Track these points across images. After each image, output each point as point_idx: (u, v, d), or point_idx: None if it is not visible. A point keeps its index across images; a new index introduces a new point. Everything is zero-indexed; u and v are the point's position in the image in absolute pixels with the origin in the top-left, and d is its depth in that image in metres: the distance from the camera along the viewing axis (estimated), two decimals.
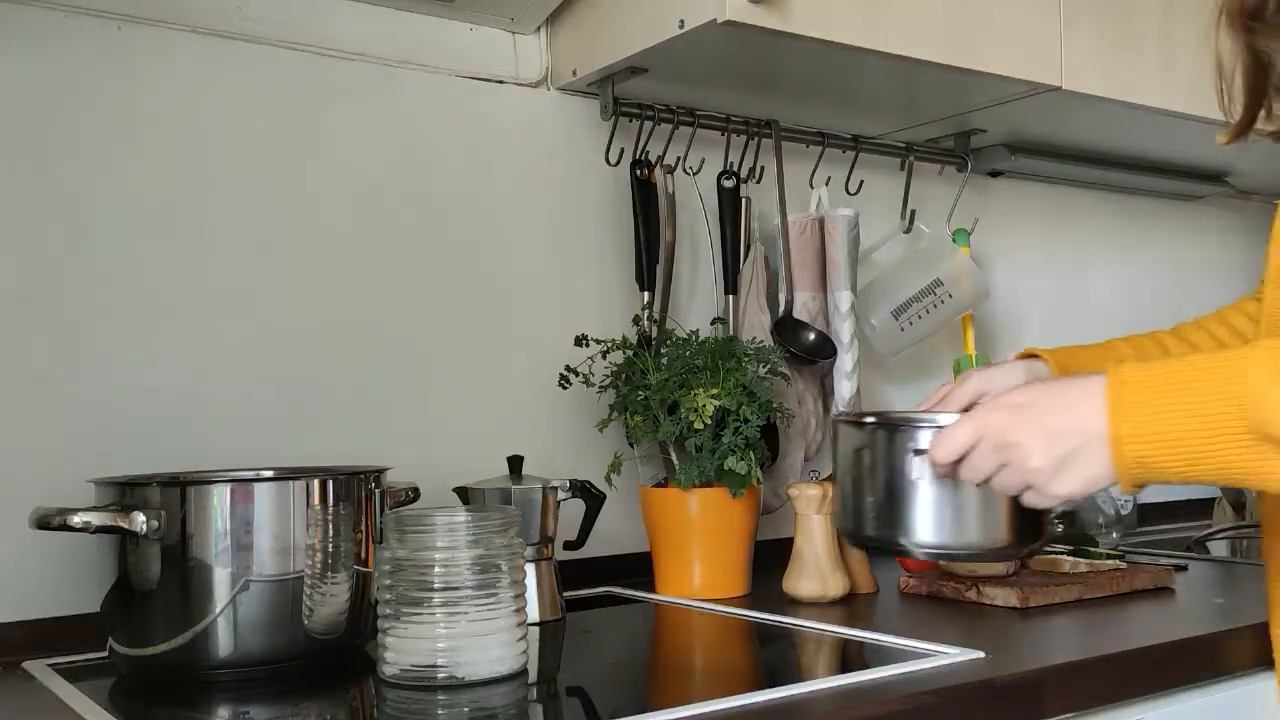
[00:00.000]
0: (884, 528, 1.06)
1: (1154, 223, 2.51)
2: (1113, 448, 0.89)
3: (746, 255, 1.82)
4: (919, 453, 1.02)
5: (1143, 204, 2.43)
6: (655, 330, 1.70)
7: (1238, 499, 2.22)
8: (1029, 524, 1.05)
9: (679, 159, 1.78)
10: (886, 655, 1.18)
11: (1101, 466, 0.91)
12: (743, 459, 1.52)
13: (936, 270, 1.96)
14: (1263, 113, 1.07)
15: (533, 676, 1.17)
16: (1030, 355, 1.22)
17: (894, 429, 1.06)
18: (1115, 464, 0.90)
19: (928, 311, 1.94)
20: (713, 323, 1.76)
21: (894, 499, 1.05)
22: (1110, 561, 1.55)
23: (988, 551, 1.10)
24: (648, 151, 1.74)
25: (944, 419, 1.02)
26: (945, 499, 1.03)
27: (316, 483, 1.17)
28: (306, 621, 1.15)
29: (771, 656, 1.29)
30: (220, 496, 1.13)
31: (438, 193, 1.62)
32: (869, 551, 1.53)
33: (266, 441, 1.45)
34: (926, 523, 1.04)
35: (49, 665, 1.21)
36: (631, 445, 1.67)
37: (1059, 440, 0.92)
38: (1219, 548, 2.12)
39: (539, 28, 1.70)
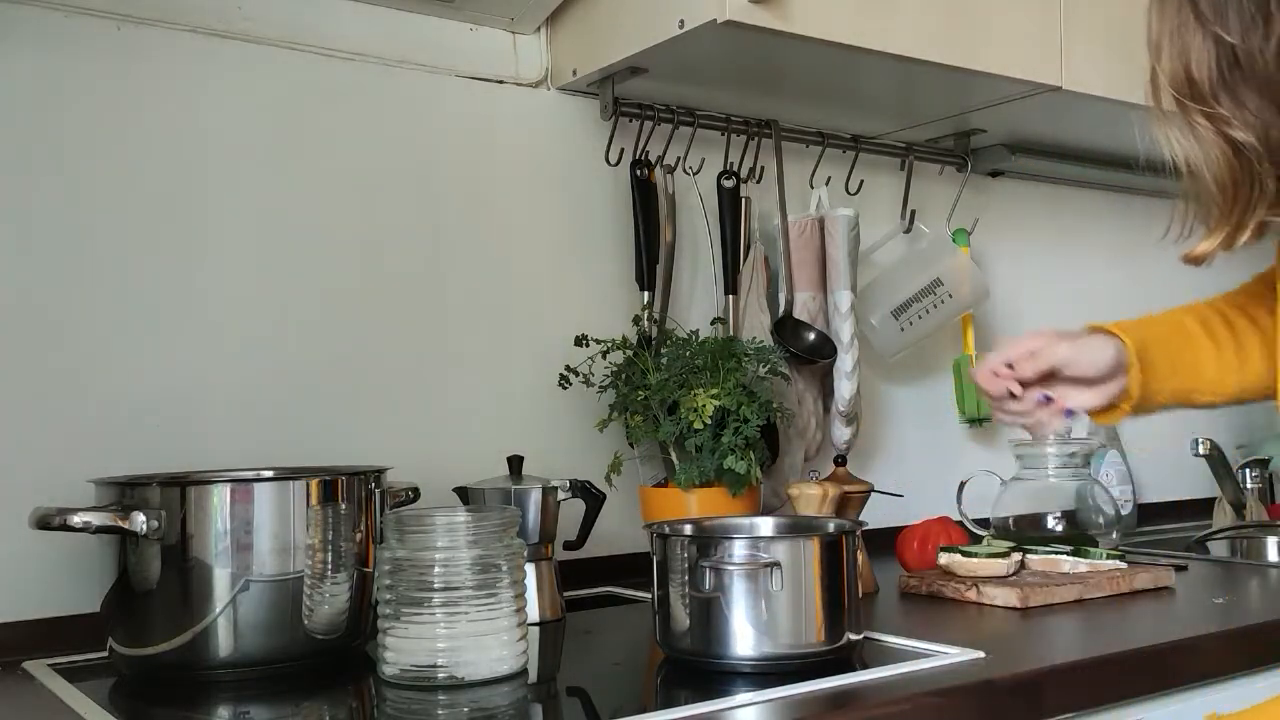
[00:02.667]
0: None
1: (1154, 223, 2.50)
2: None
3: (746, 255, 1.82)
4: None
5: (1142, 204, 2.43)
6: (655, 330, 1.70)
7: (1237, 499, 2.22)
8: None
9: (679, 159, 1.78)
10: (886, 655, 1.18)
11: None
12: (743, 459, 1.52)
13: (936, 270, 1.96)
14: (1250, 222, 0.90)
15: (533, 676, 1.17)
16: (1100, 330, 1.18)
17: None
18: None
19: (928, 311, 1.94)
20: (713, 323, 1.76)
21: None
22: (1110, 561, 1.55)
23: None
24: (648, 151, 1.74)
25: None
26: None
27: (316, 483, 1.17)
28: (306, 622, 1.15)
29: None
30: (220, 496, 1.13)
31: (438, 193, 1.62)
32: None
33: (266, 441, 1.45)
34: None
35: (49, 665, 1.21)
36: (631, 445, 1.67)
37: None
38: (1219, 548, 2.12)
39: (539, 28, 1.70)
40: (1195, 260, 0.96)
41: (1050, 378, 1.17)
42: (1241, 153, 0.81)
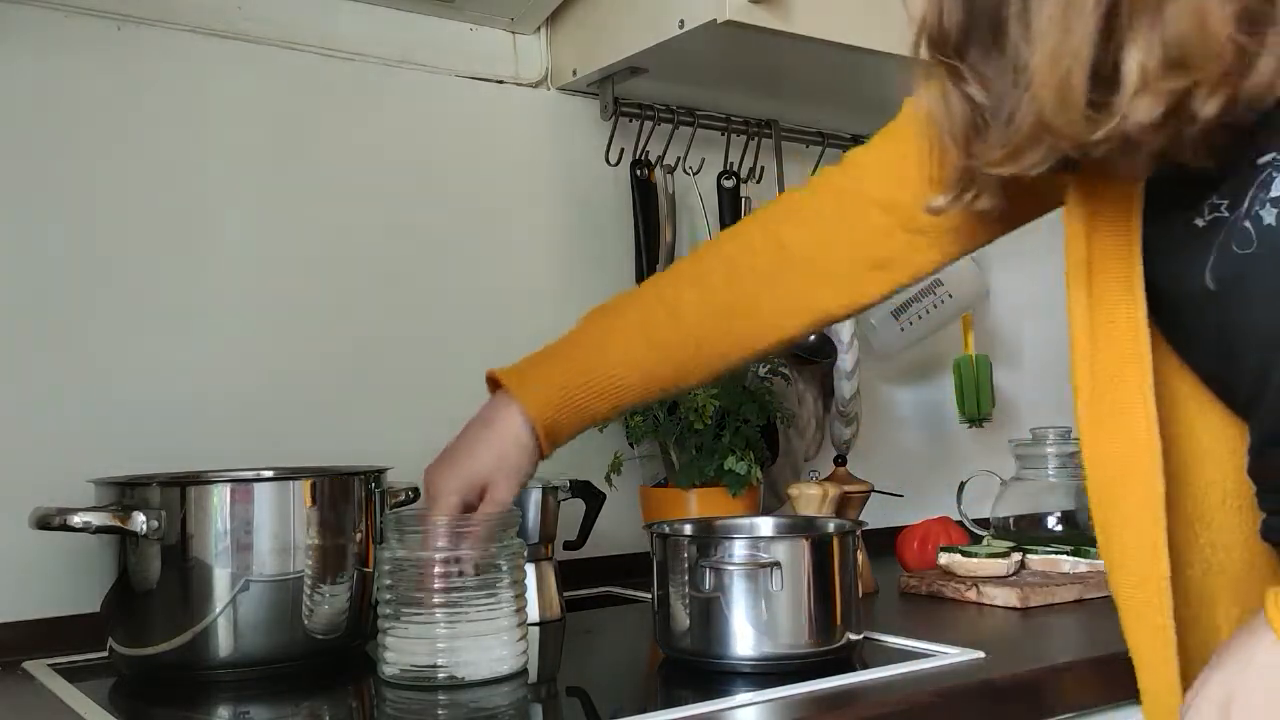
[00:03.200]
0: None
1: None
2: None
3: None
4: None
5: None
6: None
7: None
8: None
9: (679, 159, 1.78)
10: (886, 655, 1.18)
11: None
12: (743, 459, 1.52)
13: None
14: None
15: (533, 676, 1.17)
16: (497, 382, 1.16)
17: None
18: None
19: (928, 311, 1.94)
20: None
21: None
22: None
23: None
24: (648, 151, 1.74)
25: None
26: None
27: (316, 483, 1.17)
28: (306, 622, 1.15)
29: None
30: (220, 496, 1.13)
31: (437, 192, 1.62)
32: None
33: (266, 441, 1.45)
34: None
35: (49, 665, 1.21)
36: (631, 445, 1.67)
37: None
38: None
39: (539, 28, 1.70)
40: (932, 212, 0.97)
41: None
42: (977, 111, 0.81)
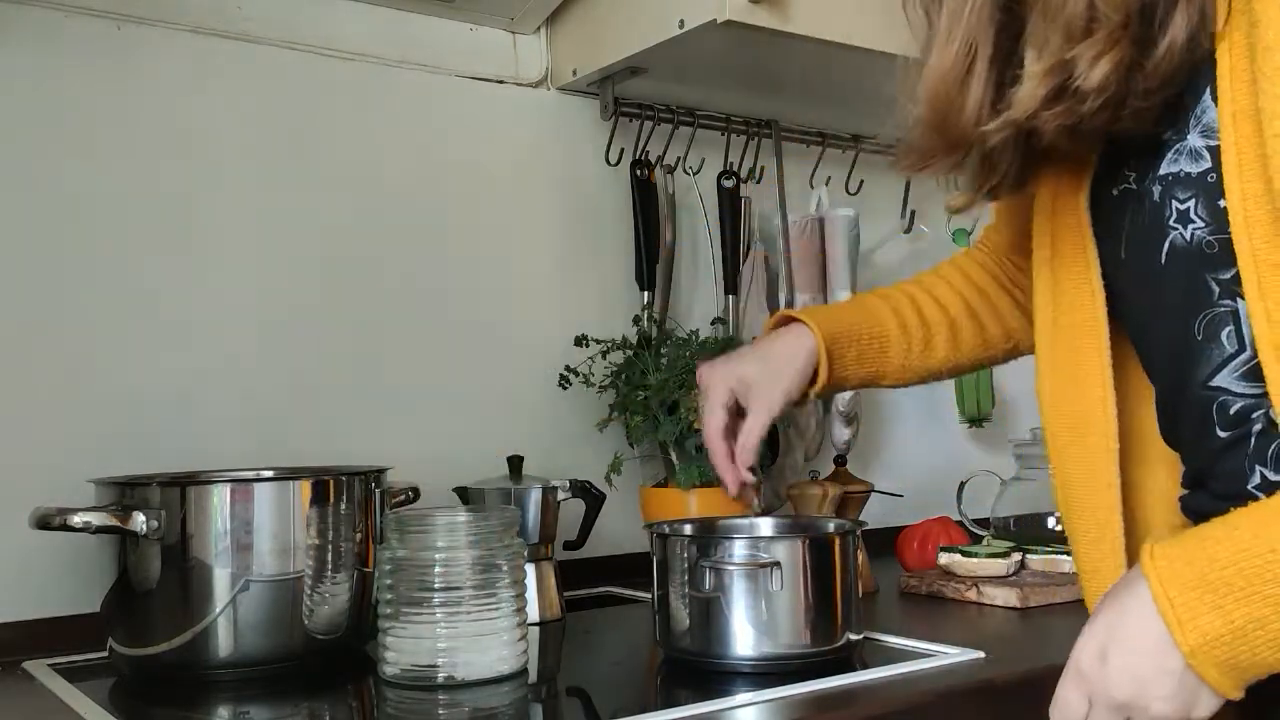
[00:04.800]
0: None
1: None
2: (1196, 669, 0.73)
3: (746, 255, 1.82)
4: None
5: None
6: (655, 330, 1.70)
7: None
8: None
9: (679, 159, 1.78)
10: (886, 655, 1.18)
11: (1206, 690, 0.74)
12: None
13: None
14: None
15: (533, 676, 1.17)
16: (788, 320, 1.17)
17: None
18: (1210, 683, 0.74)
19: None
20: (713, 323, 1.76)
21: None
22: None
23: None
24: (648, 151, 1.74)
25: None
26: None
27: (316, 483, 1.17)
28: (306, 622, 1.15)
29: None
30: (220, 496, 1.13)
31: (437, 193, 1.62)
32: None
33: (266, 441, 1.45)
34: None
35: (49, 665, 1.21)
36: (631, 445, 1.67)
37: (1159, 684, 0.75)
38: None
39: (539, 28, 1.70)
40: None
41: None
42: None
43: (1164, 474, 0.92)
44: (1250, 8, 0.74)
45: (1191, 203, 0.79)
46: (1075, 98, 0.76)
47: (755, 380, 1.13)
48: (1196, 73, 0.78)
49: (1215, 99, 0.77)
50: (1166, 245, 0.81)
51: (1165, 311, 0.83)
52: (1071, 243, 0.91)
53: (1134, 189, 0.84)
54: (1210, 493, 0.84)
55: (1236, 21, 0.75)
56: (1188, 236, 0.79)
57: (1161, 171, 0.81)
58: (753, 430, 1.12)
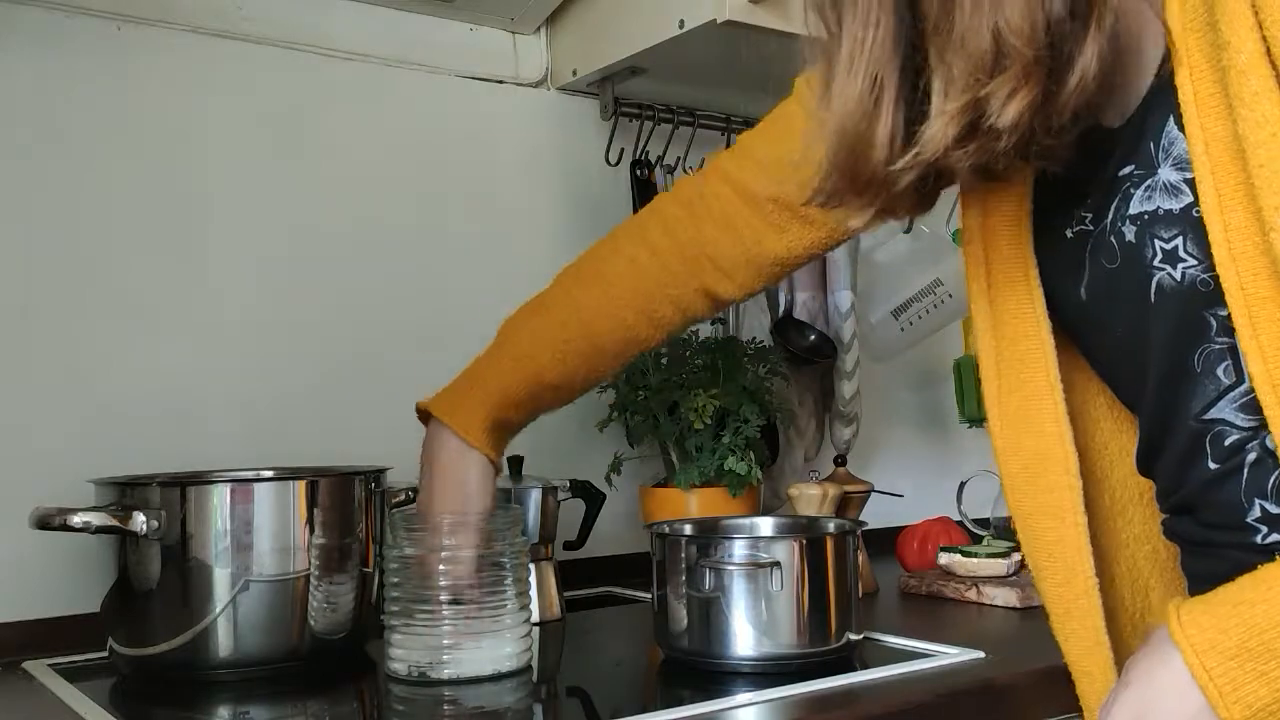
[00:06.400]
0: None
1: None
2: None
3: None
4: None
5: None
6: None
7: None
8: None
9: (679, 159, 1.77)
10: (886, 655, 1.18)
11: None
12: (743, 459, 1.52)
13: (936, 270, 1.95)
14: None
15: (533, 676, 1.17)
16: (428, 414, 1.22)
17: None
18: None
19: (928, 311, 1.94)
20: (713, 323, 1.76)
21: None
22: None
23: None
24: (648, 151, 1.74)
25: None
26: None
27: (316, 483, 1.17)
28: (306, 622, 1.15)
29: None
30: (220, 496, 1.13)
31: (437, 193, 1.62)
32: None
33: (266, 441, 1.45)
34: None
35: (49, 665, 1.21)
36: (631, 445, 1.67)
37: None
38: None
39: (539, 28, 1.70)
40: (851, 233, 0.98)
41: None
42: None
43: (1134, 509, 0.90)
44: (1214, 30, 0.70)
45: (1179, 240, 0.75)
46: (988, 135, 0.71)
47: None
48: (1149, 104, 0.75)
49: (1182, 128, 0.73)
50: (1154, 286, 0.77)
51: (1153, 346, 0.80)
52: (1008, 275, 0.88)
53: (1092, 229, 0.81)
54: (1199, 521, 0.82)
55: (1192, 44, 0.72)
56: (1178, 276, 0.76)
57: (1133, 210, 0.77)
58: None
